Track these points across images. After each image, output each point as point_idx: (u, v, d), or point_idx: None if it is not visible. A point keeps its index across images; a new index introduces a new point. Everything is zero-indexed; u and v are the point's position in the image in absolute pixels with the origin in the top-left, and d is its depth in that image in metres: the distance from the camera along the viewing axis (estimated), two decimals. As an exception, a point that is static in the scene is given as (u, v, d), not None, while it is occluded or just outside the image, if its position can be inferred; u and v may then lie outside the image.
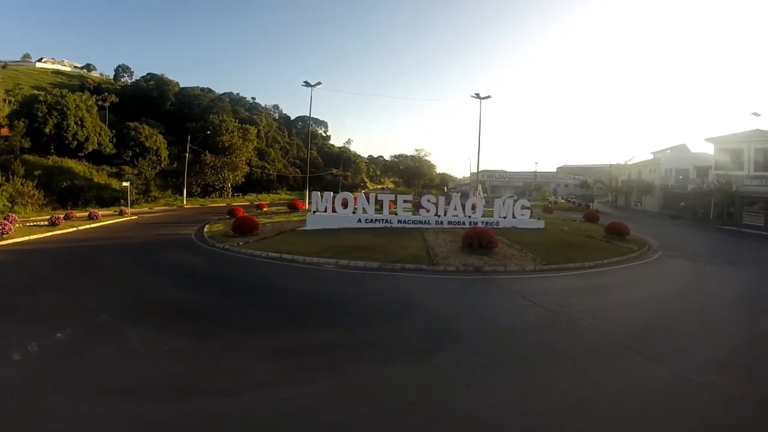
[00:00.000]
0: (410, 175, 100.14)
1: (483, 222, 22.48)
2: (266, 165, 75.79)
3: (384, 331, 8.18)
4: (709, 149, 44.13)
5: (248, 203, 48.81)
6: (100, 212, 31.00)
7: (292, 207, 36.02)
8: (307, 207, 35.67)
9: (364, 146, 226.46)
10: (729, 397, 5.77)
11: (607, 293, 12.15)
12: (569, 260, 15.53)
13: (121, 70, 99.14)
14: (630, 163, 70.25)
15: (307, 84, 43.79)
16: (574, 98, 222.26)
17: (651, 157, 63.97)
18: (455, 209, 23.16)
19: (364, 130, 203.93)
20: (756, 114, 34.57)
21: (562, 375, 6.35)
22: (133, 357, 6.72)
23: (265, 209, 37.16)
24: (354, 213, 21.94)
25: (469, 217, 23.11)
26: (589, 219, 31.34)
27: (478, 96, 43.77)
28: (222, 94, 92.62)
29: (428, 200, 23.60)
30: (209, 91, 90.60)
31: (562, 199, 71.04)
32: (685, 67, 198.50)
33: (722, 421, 5.25)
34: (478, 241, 15.68)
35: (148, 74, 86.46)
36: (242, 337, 7.59)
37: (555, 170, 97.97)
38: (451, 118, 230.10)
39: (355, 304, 10.20)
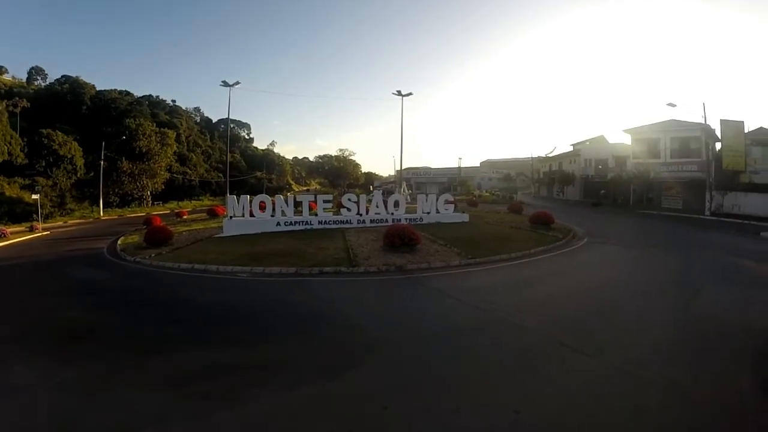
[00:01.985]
0: (335, 175, 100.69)
1: (406, 219, 22.24)
2: (188, 170, 74.29)
3: (296, 346, 7.32)
4: (627, 140, 47.09)
5: (169, 211, 47.50)
6: (9, 229, 29.81)
7: (212, 213, 35.20)
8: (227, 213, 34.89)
9: (289, 148, 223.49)
10: (677, 389, 5.47)
11: (536, 285, 11.91)
12: (495, 252, 15.38)
13: (35, 72, 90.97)
14: (551, 155, 74.03)
15: (225, 84, 42.03)
16: (496, 94, 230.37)
17: (571, 149, 67.64)
18: (377, 207, 22.90)
19: (289, 132, 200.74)
20: (672, 105, 36.98)
21: (495, 385, 5.68)
22: (11, 395, 5.79)
23: (185, 217, 36.32)
24: (272, 216, 21.16)
25: (392, 214, 22.79)
26: (513, 210, 32.26)
27: (399, 93, 43.85)
28: (141, 97, 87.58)
29: (349, 199, 23.08)
30: (127, 93, 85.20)
31: (486, 192, 73.22)
32: (601, 62, 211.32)
33: (676, 418, 4.85)
34: (400, 239, 15.09)
35: (63, 77, 79.75)
36: (139, 361, 6.73)
37: (479, 165, 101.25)
38: (376, 117, 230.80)
39: (267, 315, 9.36)
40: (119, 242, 21.24)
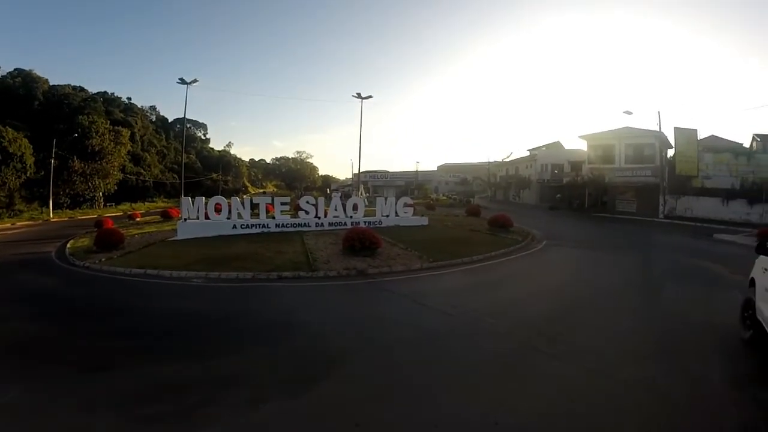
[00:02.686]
0: (292, 177, 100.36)
1: (365, 222, 22.14)
2: (142, 171, 72.84)
3: (256, 358, 6.71)
4: (583, 145, 49.05)
5: (121, 213, 46.15)
6: (-50, 235, 27.86)
7: (166, 216, 34.50)
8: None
9: (246, 149, 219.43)
10: (654, 388, 5.44)
11: (500, 288, 11.86)
12: (456, 255, 15.37)
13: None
14: (507, 160, 75.58)
15: (182, 81, 40.92)
16: (454, 100, 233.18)
17: (527, 154, 69.35)
18: (336, 210, 22.80)
19: (246, 133, 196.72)
20: (628, 112, 39.04)
21: (469, 394, 5.36)
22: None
23: (138, 219, 35.63)
24: (228, 219, 20.67)
25: (351, 217, 22.72)
26: (471, 213, 32.82)
27: (359, 96, 43.69)
28: (95, 94, 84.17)
29: (307, 202, 22.68)
30: (81, 89, 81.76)
31: (443, 196, 74.09)
32: (558, 70, 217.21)
33: (659, 417, 4.77)
34: (360, 242, 14.79)
35: (15, 70, 75.20)
36: (83, 379, 5.96)
37: (436, 169, 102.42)
38: (335, 119, 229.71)
39: (224, 325, 8.64)
40: (68, 246, 20.22)
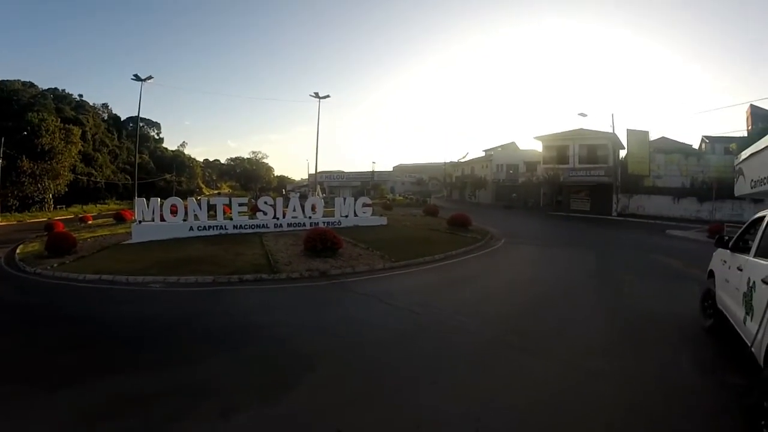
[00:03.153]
0: (247, 178, 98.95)
1: (324, 222, 22.04)
2: (93, 172, 70.29)
3: (223, 366, 6.35)
4: (538, 146, 50.63)
5: (73, 216, 44.45)
6: None
7: (119, 218, 33.19)
8: (135, 217, 32.87)
9: (200, 150, 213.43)
10: (627, 377, 5.70)
11: (465, 286, 12.04)
12: (418, 255, 15.53)
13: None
14: (463, 160, 76.47)
15: (137, 78, 39.44)
16: (410, 101, 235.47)
17: (483, 154, 70.37)
18: (294, 210, 22.54)
19: (201, 133, 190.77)
20: (583, 114, 41.09)
21: (447, 392, 5.34)
22: None
23: (90, 222, 34.22)
24: (185, 221, 20.04)
25: (310, 218, 22.65)
26: (429, 213, 33.45)
27: (317, 95, 43.36)
28: (45, 90, 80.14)
29: (265, 202, 22.35)
30: (31, 85, 77.71)
31: (399, 196, 74.45)
32: (513, 73, 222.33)
33: (635, 404, 4.95)
34: (322, 243, 14.67)
35: None
36: (36, 396, 5.33)
37: (392, 169, 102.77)
38: (290, 119, 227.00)
39: (186, 332, 8.19)
40: (18, 251, 19.06)
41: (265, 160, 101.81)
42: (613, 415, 4.73)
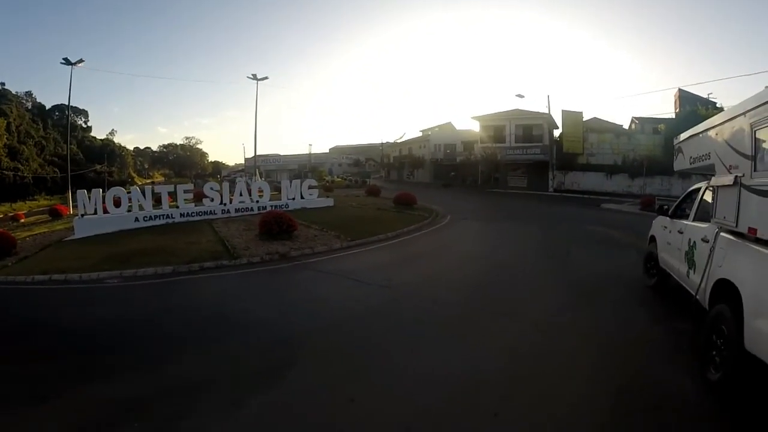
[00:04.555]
0: (181, 165, 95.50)
1: (272, 206, 21.99)
2: (19, 166, 65.96)
3: (211, 357, 6.18)
4: (475, 126, 52.62)
5: (2, 215, 42.65)
6: None
7: (55, 214, 32.46)
8: (71, 212, 33.06)
9: (129, 137, 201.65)
10: (593, 330, 6.60)
11: (424, 260, 12.87)
12: (372, 233, 16.15)
13: None
14: (400, 140, 77.19)
15: (66, 62, 37.07)
16: (346, 82, 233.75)
17: (420, 134, 71.09)
18: (241, 195, 22.21)
19: (129, 119, 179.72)
20: (520, 96, 42.59)
21: (439, 355, 5.96)
22: None
23: (23, 221, 33.62)
24: (129, 211, 19.21)
25: (257, 202, 22.48)
26: (371, 193, 34.27)
27: (255, 77, 42.56)
28: None
29: (211, 188, 22.07)
30: None
31: (337, 178, 74.40)
32: (450, 55, 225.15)
33: (607, 354, 5.74)
34: (278, 226, 14.91)
35: None
36: (22, 416, 4.74)
37: (328, 151, 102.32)
38: (222, 103, 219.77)
39: (157, 327, 7.75)
40: None
41: (199, 146, 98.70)
42: (588, 359, 5.57)
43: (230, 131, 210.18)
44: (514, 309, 7.74)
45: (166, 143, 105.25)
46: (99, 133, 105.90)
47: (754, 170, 4.47)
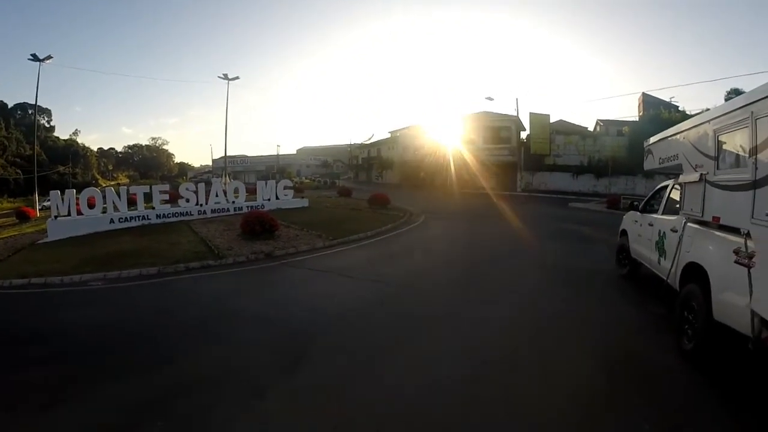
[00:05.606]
0: (147, 166, 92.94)
1: (248, 206, 22.21)
2: None
3: (218, 355, 6.17)
4: (445, 128, 54.48)
5: None
6: None
7: (22, 216, 31.76)
8: (38, 214, 33.88)
9: (93, 137, 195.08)
10: (570, 311, 7.60)
11: (408, 256, 13.46)
12: (352, 232, 16.63)
13: None
14: (369, 142, 77.70)
15: (35, 58, 36.15)
16: (315, 83, 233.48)
17: (389, 136, 71.47)
18: (217, 196, 22.26)
19: (93, 119, 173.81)
20: (490, 98, 44.44)
21: (442, 338, 6.59)
22: None
23: None
24: (104, 213, 18.98)
25: (233, 202, 22.65)
26: (343, 194, 35.23)
27: (226, 77, 42.30)
28: None
29: (187, 189, 22.02)
30: None
31: (306, 179, 74.39)
32: (421, 57, 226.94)
33: (595, 334, 6.43)
34: (261, 225, 15.22)
35: None
36: (32, 424, 4.55)
37: (296, 152, 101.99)
38: (189, 102, 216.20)
39: (154, 328, 7.65)
40: None
41: (165, 147, 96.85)
42: (577, 339, 6.35)
43: (196, 132, 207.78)
44: (499, 297, 8.61)
45: (131, 144, 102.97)
46: (62, 133, 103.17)
47: (717, 168, 5.33)
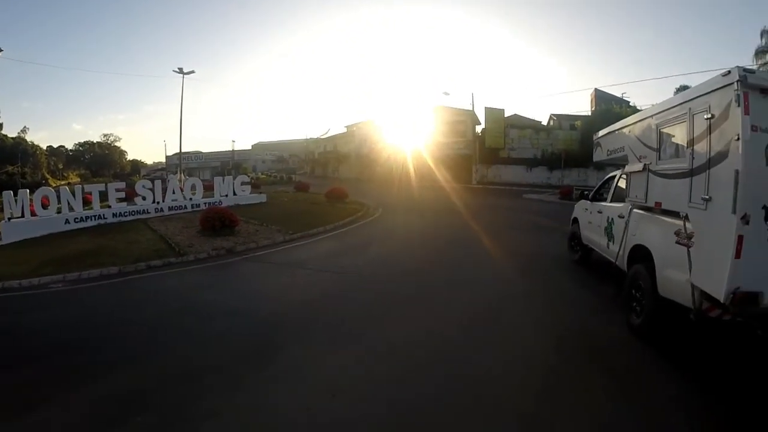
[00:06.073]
0: (99, 165, 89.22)
1: (206, 203, 21.84)
2: None
3: (196, 349, 6.16)
4: (401, 122, 54.95)
5: None
6: None
7: None
8: None
9: (41, 135, 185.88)
10: (540, 293, 8.15)
11: (368, 248, 13.60)
12: (312, 226, 16.73)
13: None
14: (325, 136, 77.42)
15: None
16: (270, 79, 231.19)
17: (345, 130, 71.48)
18: (174, 193, 21.83)
19: (43, 115, 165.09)
20: (446, 93, 45.84)
21: (405, 324, 6.89)
22: None
23: None
24: (59, 213, 18.32)
25: (190, 199, 22.23)
26: (300, 189, 34.83)
27: (181, 71, 41.16)
28: None
29: (144, 187, 21.48)
30: None
31: (262, 174, 73.55)
32: (377, 53, 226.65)
33: (552, 308, 6.88)
34: (220, 222, 15.09)
35: None
36: (21, 427, 4.48)
37: (251, 147, 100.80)
38: (141, 98, 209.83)
39: (127, 324, 7.43)
40: None
41: (117, 144, 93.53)
42: (534, 316, 6.89)
43: (149, 128, 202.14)
44: (462, 281, 9.17)
45: (82, 141, 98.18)
46: (9, 131, 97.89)
47: (659, 159, 5.90)
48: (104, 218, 19.00)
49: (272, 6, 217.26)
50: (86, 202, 19.57)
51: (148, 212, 20.48)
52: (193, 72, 41.60)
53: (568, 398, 4.51)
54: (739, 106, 4.12)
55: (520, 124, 49.75)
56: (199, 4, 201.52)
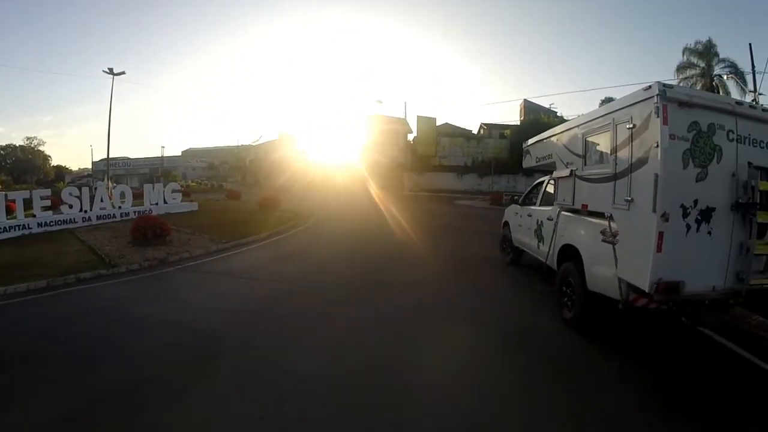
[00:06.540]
0: (21, 170, 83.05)
1: (135, 211, 21.07)
2: None
3: (124, 366, 5.82)
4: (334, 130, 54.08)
5: None
6: None
7: None
8: None
9: None
10: (482, 290, 8.32)
11: (305, 256, 13.47)
12: (246, 235, 16.49)
13: None
14: (257, 143, 76.46)
15: None
16: (200, 84, 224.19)
17: (277, 137, 70.98)
18: (102, 201, 20.84)
19: None
20: (379, 101, 46.20)
21: (357, 323, 7.08)
22: None
23: None
24: None
25: (119, 208, 21.37)
26: (231, 197, 34.75)
27: (111, 71, 39.15)
28: None
29: (70, 194, 20.35)
30: None
31: (192, 182, 71.46)
32: (309, 63, 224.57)
33: (495, 302, 7.18)
34: (152, 231, 14.58)
35: None
36: None
37: (180, 154, 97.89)
38: (68, 99, 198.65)
39: (59, 340, 6.85)
40: None
41: (41, 148, 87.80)
42: (471, 315, 7.23)
43: (75, 132, 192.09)
44: (399, 287, 9.24)
45: (3, 144, 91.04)
46: None
47: (584, 165, 6.38)
48: (29, 228, 17.76)
49: (206, 13, 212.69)
50: (9, 211, 18.43)
51: (76, 222, 19.43)
52: (123, 73, 39.57)
53: (509, 381, 4.94)
54: (658, 117, 4.56)
55: (451, 132, 51.40)
56: (135, 6, 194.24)
